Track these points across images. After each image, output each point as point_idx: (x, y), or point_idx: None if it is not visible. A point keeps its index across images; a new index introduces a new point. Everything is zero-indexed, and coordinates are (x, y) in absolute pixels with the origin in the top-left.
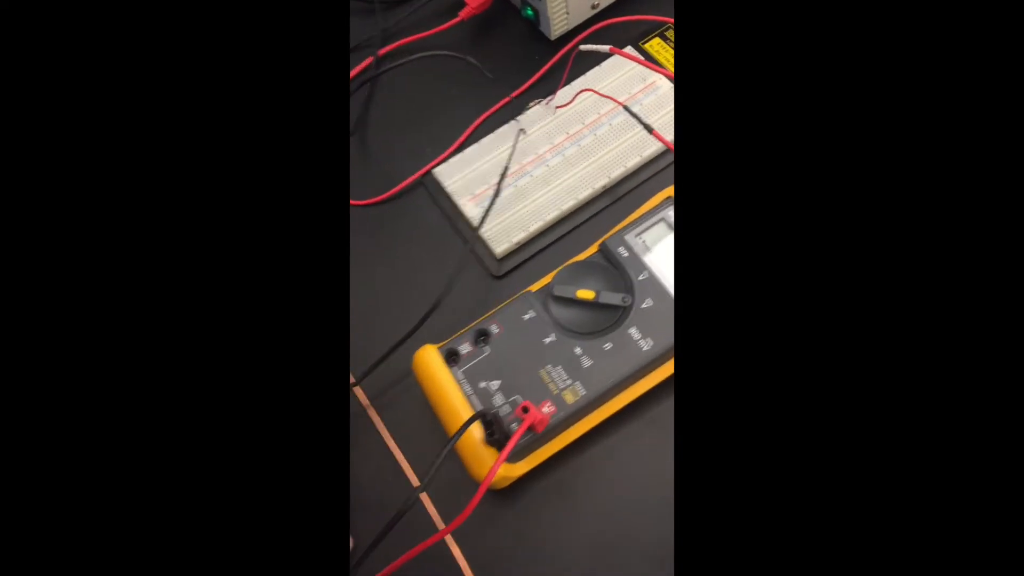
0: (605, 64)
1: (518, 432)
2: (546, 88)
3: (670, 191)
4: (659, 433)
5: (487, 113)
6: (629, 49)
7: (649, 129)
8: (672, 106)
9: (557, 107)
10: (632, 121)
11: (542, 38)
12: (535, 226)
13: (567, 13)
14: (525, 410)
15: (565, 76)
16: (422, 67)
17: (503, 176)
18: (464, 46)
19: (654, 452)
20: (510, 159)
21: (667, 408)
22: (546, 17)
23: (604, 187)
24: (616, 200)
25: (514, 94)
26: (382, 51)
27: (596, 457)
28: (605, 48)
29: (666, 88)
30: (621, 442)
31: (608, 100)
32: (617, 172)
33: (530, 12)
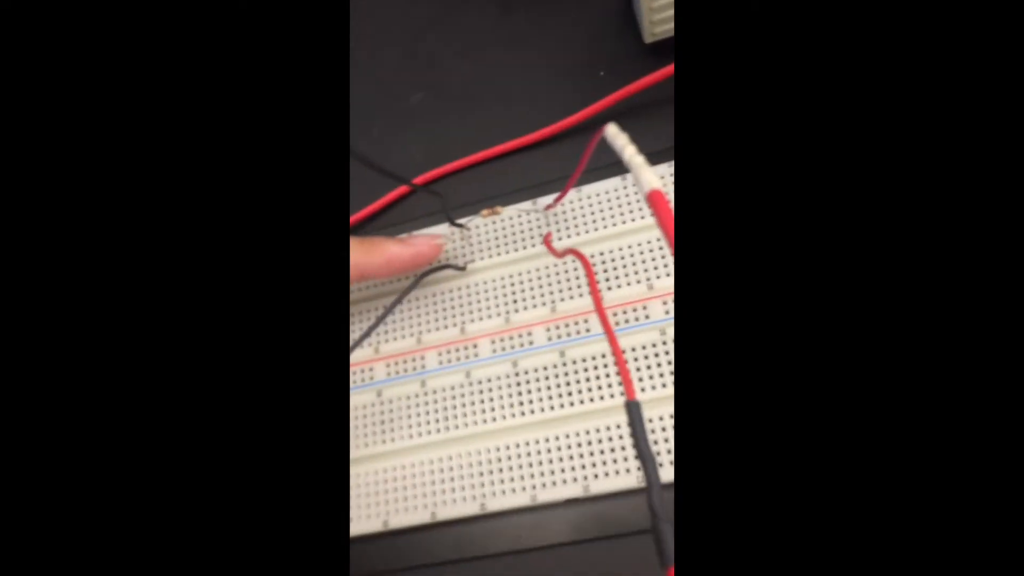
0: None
1: None
2: (574, 149)
3: None
4: None
5: (389, 196)
6: None
7: (636, 437)
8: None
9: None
10: None
11: (636, 31)
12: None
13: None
14: None
15: (581, 167)
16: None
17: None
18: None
19: None
20: (384, 318)
21: None
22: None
23: (572, 499)
24: (582, 540)
25: (501, 148)
26: None
27: None
28: (644, 166)
29: None
30: None
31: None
32: (603, 485)
33: None
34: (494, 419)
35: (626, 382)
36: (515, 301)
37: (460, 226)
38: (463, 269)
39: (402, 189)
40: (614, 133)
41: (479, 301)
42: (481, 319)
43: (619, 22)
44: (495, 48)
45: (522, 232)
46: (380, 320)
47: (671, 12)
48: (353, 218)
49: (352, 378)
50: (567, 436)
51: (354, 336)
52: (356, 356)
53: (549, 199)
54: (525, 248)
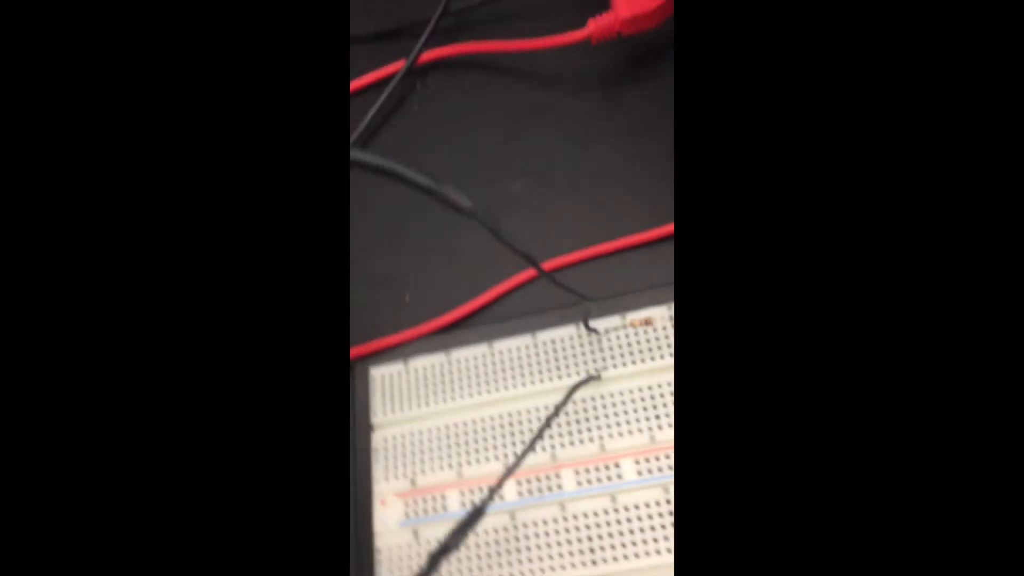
0: None
1: None
2: None
3: None
4: None
5: (514, 280)
6: None
7: None
8: None
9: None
10: None
11: None
12: None
13: None
14: None
15: None
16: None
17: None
18: (568, 91)
19: None
20: (552, 418)
21: None
22: None
23: None
24: None
25: (627, 241)
26: (422, 58)
27: None
28: None
29: None
30: None
31: None
32: None
33: None
34: (647, 554)
35: None
36: (657, 417)
37: (594, 331)
38: (598, 378)
39: (529, 273)
40: None
41: (617, 415)
42: (622, 436)
43: None
44: (603, 140)
45: (658, 341)
46: (528, 449)
47: None
48: (473, 305)
49: (482, 496)
50: None
51: (502, 457)
52: (484, 471)
53: None
54: (665, 359)
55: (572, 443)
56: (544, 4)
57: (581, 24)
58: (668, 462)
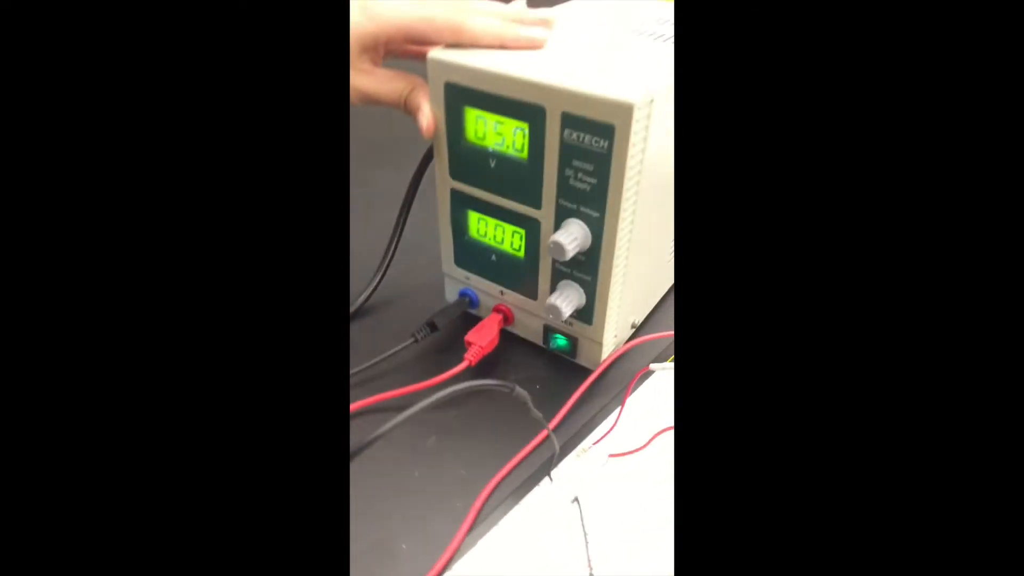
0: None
1: None
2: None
3: None
4: None
5: (508, 467)
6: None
7: None
8: None
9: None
10: None
11: (565, 371)
12: None
13: (615, 336)
14: None
15: (623, 405)
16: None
17: None
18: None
19: None
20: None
21: None
22: (590, 344)
23: None
24: None
25: (546, 429)
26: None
27: None
28: None
29: None
30: None
31: None
32: None
33: (561, 342)
34: None
35: None
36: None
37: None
38: (579, 501)
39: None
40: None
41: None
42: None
43: (558, 365)
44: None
45: (588, 467)
46: None
47: (613, 343)
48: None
49: None
50: None
51: None
52: None
53: None
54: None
55: None
56: (399, 366)
57: (430, 365)
58: None
